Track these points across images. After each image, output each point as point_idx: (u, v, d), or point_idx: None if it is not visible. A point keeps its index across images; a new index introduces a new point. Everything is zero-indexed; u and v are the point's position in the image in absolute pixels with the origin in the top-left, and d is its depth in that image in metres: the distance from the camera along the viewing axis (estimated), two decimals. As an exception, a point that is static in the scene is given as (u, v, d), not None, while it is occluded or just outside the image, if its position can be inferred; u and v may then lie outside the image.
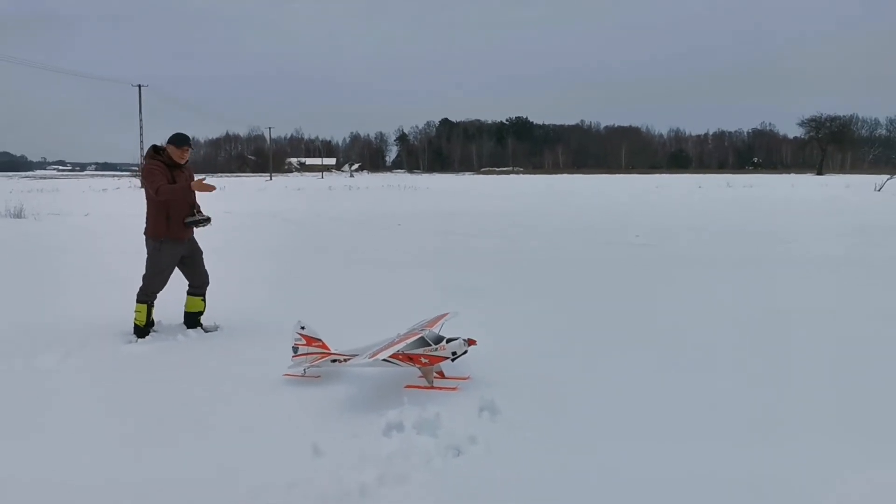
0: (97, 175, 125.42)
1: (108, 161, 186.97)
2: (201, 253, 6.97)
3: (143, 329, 6.64)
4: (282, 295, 8.53)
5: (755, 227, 18.17)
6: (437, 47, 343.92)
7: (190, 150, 6.76)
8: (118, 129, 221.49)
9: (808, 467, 3.65)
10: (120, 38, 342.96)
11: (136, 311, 6.65)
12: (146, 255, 6.71)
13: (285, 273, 10.55)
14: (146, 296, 6.66)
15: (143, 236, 6.77)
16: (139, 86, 64.47)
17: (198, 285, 6.90)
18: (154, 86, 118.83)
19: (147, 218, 6.73)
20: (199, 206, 6.80)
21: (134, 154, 64.10)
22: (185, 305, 6.90)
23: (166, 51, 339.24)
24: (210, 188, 6.65)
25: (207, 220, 6.74)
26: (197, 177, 6.85)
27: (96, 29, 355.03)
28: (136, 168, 65.42)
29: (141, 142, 63.92)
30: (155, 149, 6.71)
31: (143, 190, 7.07)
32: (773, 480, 3.51)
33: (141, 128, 64.70)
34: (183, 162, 6.71)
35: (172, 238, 6.65)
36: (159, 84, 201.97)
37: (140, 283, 6.68)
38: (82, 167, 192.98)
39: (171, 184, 6.53)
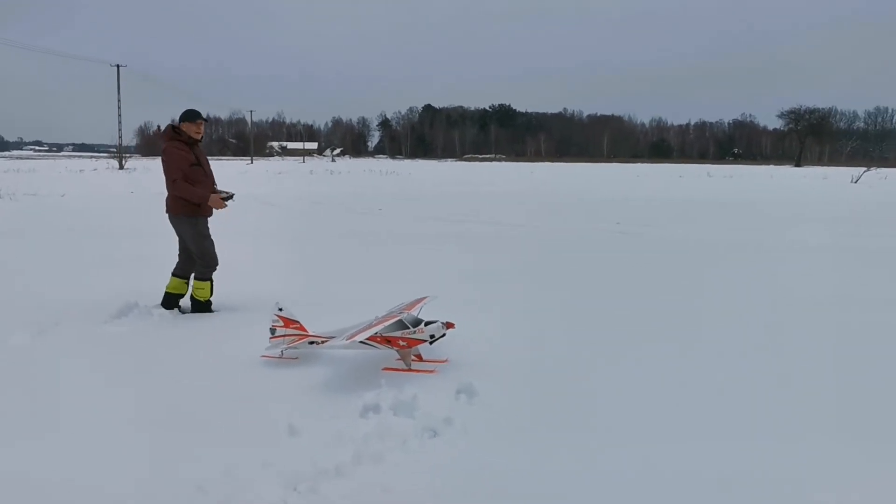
0: (74, 156, 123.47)
1: (86, 142, 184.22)
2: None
3: (207, 304, 6.75)
4: (259, 277, 8.49)
5: (735, 215, 18.34)
6: (421, 33, 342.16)
7: (204, 123, 6.78)
8: (96, 110, 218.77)
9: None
10: (99, 17, 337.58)
11: (198, 289, 6.72)
12: (186, 234, 6.70)
13: (263, 255, 10.48)
14: (208, 269, 6.74)
15: (168, 215, 6.76)
16: (118, 66, 63.42)
17: (188, 270, 6.85)
18: (133, 67, 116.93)
19: (171, 197, 6.68)
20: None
21: (112, 135, 62.94)
22: (168, 286, 6.85)
23: (146, 32, 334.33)
24: (222, 205, 6.75)
25: (231, 196, 6.82)
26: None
27: (75, 8, 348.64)
28: (114, 149, 64.28)
29: (119, 123, 63.09)
30: (174, 129, 6.63)
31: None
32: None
33: (119, 109, 63.80)
34: (199, 137, 6.74)
35: (201, 215, 6.74)
36: (139, 65, 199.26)
37: (179, 264, 6.83)
38: (59, 148, 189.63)
39: (195, 165, 6.62)
